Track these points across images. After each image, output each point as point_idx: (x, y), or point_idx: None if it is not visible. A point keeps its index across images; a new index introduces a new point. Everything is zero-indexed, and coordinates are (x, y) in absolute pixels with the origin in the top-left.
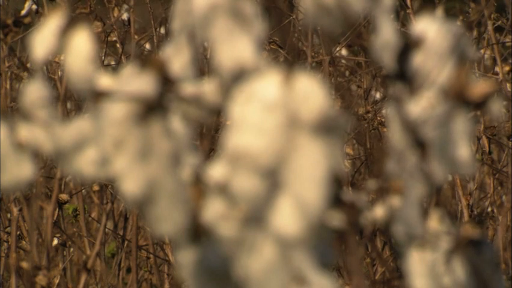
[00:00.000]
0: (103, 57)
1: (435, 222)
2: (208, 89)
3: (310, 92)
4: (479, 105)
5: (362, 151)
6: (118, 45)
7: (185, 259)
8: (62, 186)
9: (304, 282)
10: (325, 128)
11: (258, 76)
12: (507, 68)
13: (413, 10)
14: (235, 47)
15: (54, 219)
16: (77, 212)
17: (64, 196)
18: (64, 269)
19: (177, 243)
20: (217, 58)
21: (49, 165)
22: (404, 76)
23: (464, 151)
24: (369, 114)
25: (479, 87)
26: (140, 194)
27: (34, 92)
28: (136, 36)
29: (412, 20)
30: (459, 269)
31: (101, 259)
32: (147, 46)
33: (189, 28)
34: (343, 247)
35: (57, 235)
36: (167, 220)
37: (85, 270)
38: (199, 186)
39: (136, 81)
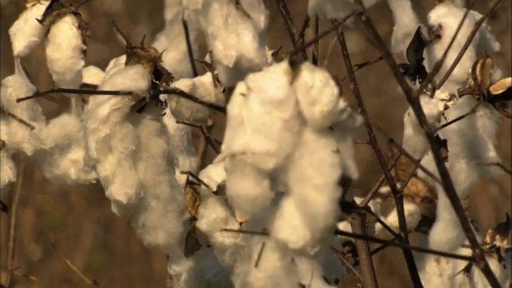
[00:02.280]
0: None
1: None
2: (205, 83)
3: (317, 88)
4: (502, 100)
5: (374, 151)
6: (106, 36)
7: (179, 270)
8: (45, 190)
9: None
10: (333, 126)
11: (260, 70)
12: None
13: None
14: (236, 37)
15: (35, 227)
16: (61, 219)
17: (44, 198)
18: (47, 280)
19: (171, 253)
20: (215, 50)
21: (30, 166)
22: (420, 69)
23: (490, 151)
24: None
25: (503, 80)
26: (130, 199)
27: (14, 87)
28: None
29: (430, 7)
30: (480, 280)
31: (87, 270)
32: (138, 36)
33: (184, 17)
34: (354, 257)
35: (39, 244)
36: (160, 228)
37: None
38: (194, 191)
39: (125, 75)
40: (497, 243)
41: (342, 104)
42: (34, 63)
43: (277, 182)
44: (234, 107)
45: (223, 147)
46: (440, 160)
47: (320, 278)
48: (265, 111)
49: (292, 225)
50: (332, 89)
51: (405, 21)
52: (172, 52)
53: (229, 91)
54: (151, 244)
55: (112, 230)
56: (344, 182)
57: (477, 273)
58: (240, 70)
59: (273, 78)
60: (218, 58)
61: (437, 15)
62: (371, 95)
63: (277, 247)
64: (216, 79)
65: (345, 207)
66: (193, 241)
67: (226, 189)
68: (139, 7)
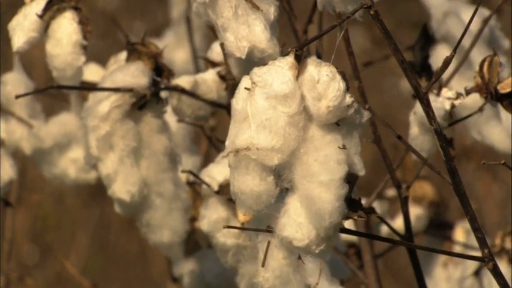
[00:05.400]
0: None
1: (461, 235)
2: (207, 80)
3: (323, 82)
4: (510, 98)
5: (379, 151)
6: (102, 32)
7: (181, 272)
8: (39, 190)
9: None
10: (339, 121)
11: (266, 64)
12: None
13: None
14: (247, 28)
15: (30, 228)
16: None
17: (40, 198)
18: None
19: (173, 255)
20: (227, 42)
21: (24, 166)
22: (427, 67)
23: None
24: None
25: (511, 79)
26: (133, 197)
27: (12, 84)
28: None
29: None
30: (489, 285)
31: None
32: (135, 33)
33: (192, 11)
34: (358, 260)
35: (35, 245)
36: (165, 227)
37: None
38: (194, 191)
39: (126, 71)
40: (507, 245)
41: (348, 99)
42: (28, 60)
43: (282, 179)
44: (239, 102)
45: (227, 142)
46: (449, 158)
47: (326, 277)
48: (270, 106)
49: (297, 223)
50: (338, 84)
51: (439, 1)
52: (181, 51)
53: (232, 88)
54: (156, 243)
55: (109, 232)
56: (350, 179)
57: (487, 278)
58: (252, 62)
59: (278, 73)
60: (230, 50)
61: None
62: (372, 94)
63: (282, 245)
64: (220, 75)
65: (352, 204)
66: (193, 242)
67: (230, 185)
68: (135, 3)
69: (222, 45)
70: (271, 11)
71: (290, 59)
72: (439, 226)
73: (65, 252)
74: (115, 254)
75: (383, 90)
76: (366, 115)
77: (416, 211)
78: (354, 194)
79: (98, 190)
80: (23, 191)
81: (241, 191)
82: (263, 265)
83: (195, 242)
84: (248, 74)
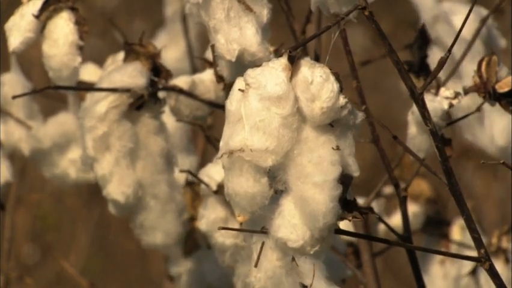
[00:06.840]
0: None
1: (459, 232)
2: (205, 80)
3: (317, 83)
4: (508, 98)
5: (378, 150)
6: (102, 31)
7: (179, 271)
8: (39, 190)
9: None
10: (333, 122)
11: (260, 65)
12: None
13: None
14: (238, 31)
15: (30, 228)
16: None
17: (39, 198)
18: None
19: (170, 253)
20: (218, 44)
21: (24, 166)
22: (425, 67)
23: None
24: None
25: (509, 78)
26: (128, 198)
27: (10, 85)
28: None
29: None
30: (486, 283)
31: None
32: (135, 33)
33: (185, 11)
34: (356, 259)
35: (34, 245)
36: (158, 229)
37: None
38: (193, 190)
39: (123, 72)
40: (504, 244)
41: (342, 100)
42: (27, 60)
43: (276, 180)
44: (232, 103)
45: (221, 144)
46: (445, 158)
47: (322, 278)
48: (264, 108)
49: (291, 224)
50: (332, 85)
51: (429, 4)
52: (172, 50)
53: (229, 88)
54: (149, 244)
55: (108, 232)
56: (345, 179)
57: (483, 276)
58: (243, 64)
59: (272, 74)
60: (220, 52)
61: (444, 8)
62: (373, 93)
63: (277, 246)
64: (217, 75)
65: (347, 205)
66: (192, 241)
67: (224, 187)
68: (135, 2)
69: (213, 46)
70: (264, 13)
71: (284, 60)
72: (437, 224)
73: (65, 252)
74: (114, 254)
75: (383, 89)
76: (360, 116)
77: (413, 208)
78: (349, 195)
79: (98, 190)
80: (23, 190)
81: (235, 193)
82: (256, 265)
83: (195, 242)
84: (238, 76)
